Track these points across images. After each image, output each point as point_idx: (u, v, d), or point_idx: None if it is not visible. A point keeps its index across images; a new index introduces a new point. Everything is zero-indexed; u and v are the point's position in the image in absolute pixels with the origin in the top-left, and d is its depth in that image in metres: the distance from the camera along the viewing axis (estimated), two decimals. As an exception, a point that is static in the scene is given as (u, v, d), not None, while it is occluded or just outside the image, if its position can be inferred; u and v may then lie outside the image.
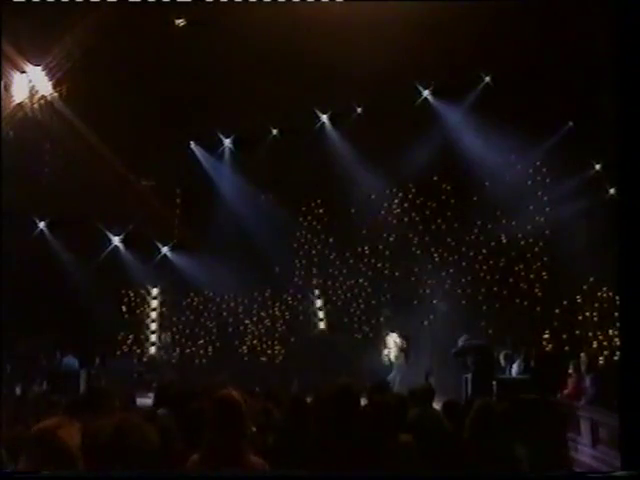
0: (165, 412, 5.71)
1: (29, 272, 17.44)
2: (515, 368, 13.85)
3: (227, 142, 19.72)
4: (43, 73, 15.80)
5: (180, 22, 14.49)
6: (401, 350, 15.29)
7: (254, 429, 4.77)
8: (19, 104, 16.37)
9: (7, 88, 16.14)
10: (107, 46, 14.05)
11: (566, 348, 15.76)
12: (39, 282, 17.65)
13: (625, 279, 3.57)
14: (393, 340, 15.41)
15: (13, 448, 3.66)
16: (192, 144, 19.76)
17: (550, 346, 16.31)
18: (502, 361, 14.19)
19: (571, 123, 16.39)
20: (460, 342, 13.51)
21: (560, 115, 16.02)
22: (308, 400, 5.99)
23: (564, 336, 16.19)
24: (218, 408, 3.70)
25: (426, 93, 17.65)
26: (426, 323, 17.61)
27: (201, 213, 19.71)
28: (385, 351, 15.32)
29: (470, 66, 15.94)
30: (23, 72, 15.82)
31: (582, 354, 13.58)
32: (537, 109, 15.53)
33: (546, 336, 16.41)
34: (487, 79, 16.94)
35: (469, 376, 12.74)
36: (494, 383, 12.50)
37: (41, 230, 19.02)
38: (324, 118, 18.74)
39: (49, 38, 14.31)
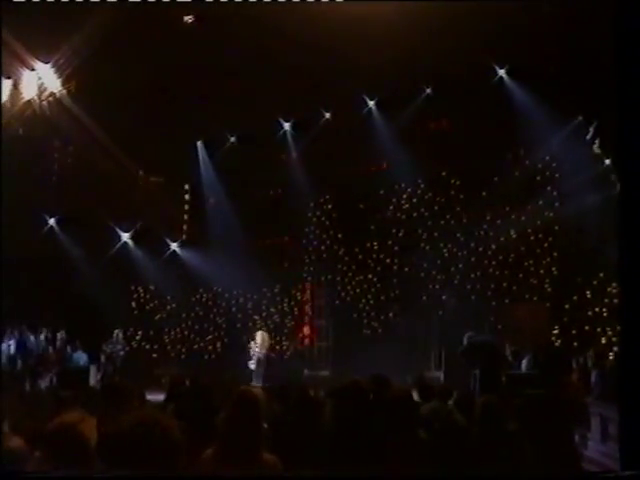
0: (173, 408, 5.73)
1: (39, 268, 17.54)
2: (524, 364, 13.82)
3: (234, 139, 19.78)
4: (52, 70, 15.85)
5: (188, 19, 14.50)
6: (266, 347, 15.80)
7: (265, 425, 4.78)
8: (28, 101, 16.44)
9: (16, 85, 16.22)
10: (115, 43, 14.08)
11: (575, 344, 15.70)
12: (49, 278, 17.74)
13: (627, 277, 3.56)
14: (261, 336, 15.93)
15: (30, 443, 3.68)
16: (199, 142, 19.88)
17: (559, 342, 16.25)
18: (510, 357, 14.18)
19: (580, 117, 16.30)
20: (465, 340, 13.51)
21: (570, 109, 15.92)
22: (316, 396, 6.00)
23: (573, 332, 16.13)
24: (238, 404, 3.70)
25: (428, 90, 17.61)
26: (435, 319, 17.59)
27: (209, 209, 19.83)
28: (251, 344, 15.82)
29: (483, 59, 15.88)
30: (32, 69, 15.88)
31: (591, 350, 13.54)
32: (547, 103, 15.47)
33: (555, 332, 16.35)
34: (502, 72, 16.84)
35: (477, 372, 12.72)
36: (503, 379, 12.49)
37: (51, 227, 19.12)
38: (327, 115, 18.74)
39: (58, 36, 14.35)
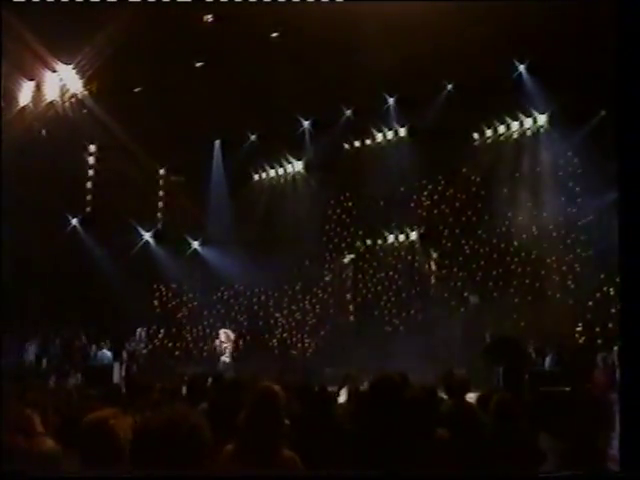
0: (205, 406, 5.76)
1: (62, 268, 17.72)
2: (548, 361, 13.74)
3: (254, 137, 19.86)
4: (74, 72, 15.99)
5: (208, 18, 14.54)
6: (231, 343, 16.34)
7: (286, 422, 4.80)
8: (50, 102, 16.62)
9: (39, 87, 16.40)
10: (135, 44, 14.16)
11: (599, 341, 15.54)
12: (72, 278, 17.92)
13: (628, 277, 3.53)
14: (224, 334, 16.14)
15: (62, 439, 3.72)
16: (216, 142, 20.01)
17: (583, 339, 16.09)
18: (533, 354, 14.09)
19: (603, 112, 16.11)
20: (487, 337, 13.45)
21: (592, 104, 15.74)
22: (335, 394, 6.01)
23: (597, 329, 15.96)
24: (258, 401, 3.72)
25: (449, 87, 17.49)
26: (457, 316, 17.50)
27: (232, 208, 19.95)
28: (216, 342, 16.05)
29: (503, 56, 15.76)
30: (54, 71, 16.04)
31: (615, 347, 13.38)
32: (569, 98, 15.32)
33: (579, 329, 16.19)
34: (521, 68, 16.70)
35: (500, 369, 12.67)
36: (526, 376, 12.42)
37: (74, 227, 19.31)
38: (348, 112, 18.73)
39: (79, 37, 14.47)
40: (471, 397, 6.25)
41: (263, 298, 19.89)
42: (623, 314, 3.52)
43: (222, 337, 16.33)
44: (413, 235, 18.69)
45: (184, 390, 7.76)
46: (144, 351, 17.68)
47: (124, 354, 17.34)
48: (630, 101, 3.50)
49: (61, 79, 16.30)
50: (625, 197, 3.53)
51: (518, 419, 4.62)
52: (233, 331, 17.12)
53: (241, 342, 19.85)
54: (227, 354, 16.12)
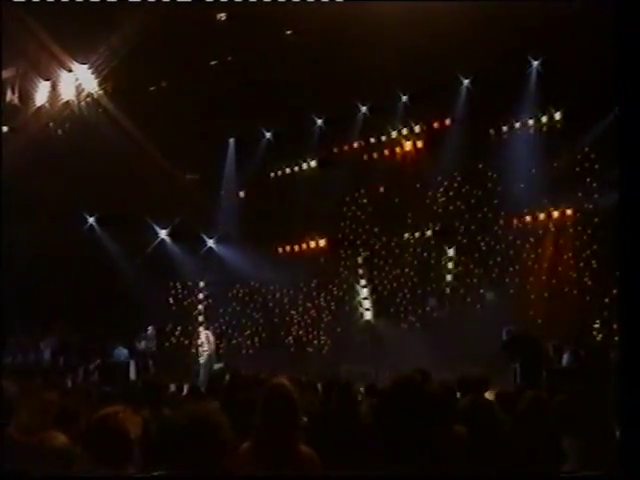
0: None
1: (79, 267, 17.82)
2: (565, 358, 13.65)
3: (269, 135, 19.90)
4: (89, 71, 16.07)
5: (221, 17, 14.56)
6: (212, 345, 16.36)
7: (305, 419, 4.79)
8: (66, 102, 16.71)
9: (55, 87, 16.49)
10: (150, 43, 14.21)
11: (616, 338, 15.40)
12: (89, 276, 18.02)
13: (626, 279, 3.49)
14: (204, 335, 16.16)
15: (73, 437, 3.73)
16: (230, 140, 20.07)
17: (600, 336, 15.96)
18: (550, 351, 14.00)
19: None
20: (504, 334, 13.38)
21: (608, 99, 15.58)
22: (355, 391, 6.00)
23: (614, 326, 15.81)
24: (269, 397, 3.71)
25: (465, 83, 17.42)
26: (473, 313, 17.42)
27: (246, 205, 19.99)
28: (200, 344, 16.11)
29: (518, 52, 15.66)
30: (70, 71, 16.12)
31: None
32: (585, 93, 15.18)
33: (596, 326, 16.06)
34: (535, 64, 16.60)
35: (518, 366, 12.61)
36: (544, 373, 12.35)
37: (90, 225, 19.43)
38: (364, 109, 18.72)
39: (94, 37, 14.54)
40: (488, 394, 6.21)
41: (278, 295, 19.90)
42: (622, 313, 3.48)
43: (202, 338, 16.32)
44: (429, 232, 18.62)
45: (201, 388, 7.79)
46: (154, 349, 17.73)
47: (140, 352, 17.44)
48: (630, 102, 3.46)
49: (77, 79, 16.38)
50: (626, 198, 3.49)
51: (547, 417, 4.59)
52: (214, 334, 17.21)
53: (256, 339, 19.96)
54: (206, 355, 16.17)
